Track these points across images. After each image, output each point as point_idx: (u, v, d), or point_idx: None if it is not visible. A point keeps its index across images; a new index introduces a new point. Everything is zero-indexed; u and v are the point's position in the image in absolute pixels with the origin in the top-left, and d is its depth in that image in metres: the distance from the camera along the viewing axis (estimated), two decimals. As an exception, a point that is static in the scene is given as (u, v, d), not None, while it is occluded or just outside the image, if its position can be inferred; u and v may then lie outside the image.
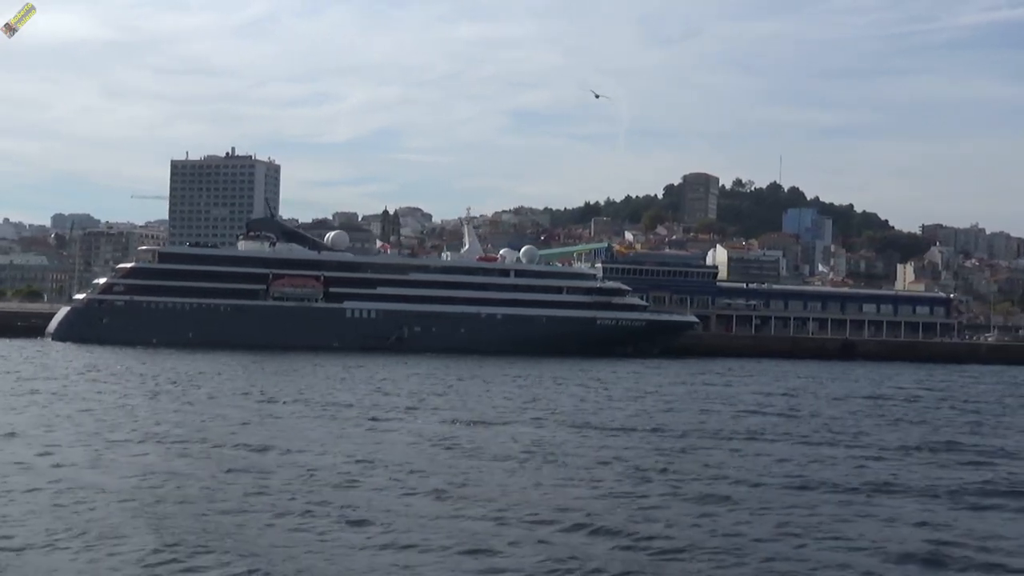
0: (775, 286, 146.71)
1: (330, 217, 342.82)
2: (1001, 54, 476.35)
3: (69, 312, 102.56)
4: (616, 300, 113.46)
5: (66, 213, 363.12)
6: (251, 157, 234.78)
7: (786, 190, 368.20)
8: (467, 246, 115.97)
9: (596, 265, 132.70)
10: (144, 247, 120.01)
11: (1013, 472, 29.61)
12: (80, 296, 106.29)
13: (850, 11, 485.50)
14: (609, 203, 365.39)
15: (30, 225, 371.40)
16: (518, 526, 20.20)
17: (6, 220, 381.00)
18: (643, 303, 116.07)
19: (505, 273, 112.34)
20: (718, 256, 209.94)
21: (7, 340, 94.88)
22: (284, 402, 45.40)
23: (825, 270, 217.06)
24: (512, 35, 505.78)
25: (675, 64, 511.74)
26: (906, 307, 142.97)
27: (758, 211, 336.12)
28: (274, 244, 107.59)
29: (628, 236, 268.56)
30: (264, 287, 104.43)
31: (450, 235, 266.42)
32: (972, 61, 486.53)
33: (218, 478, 25.00)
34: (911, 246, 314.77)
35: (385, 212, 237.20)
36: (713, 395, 56.96)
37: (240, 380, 58.16)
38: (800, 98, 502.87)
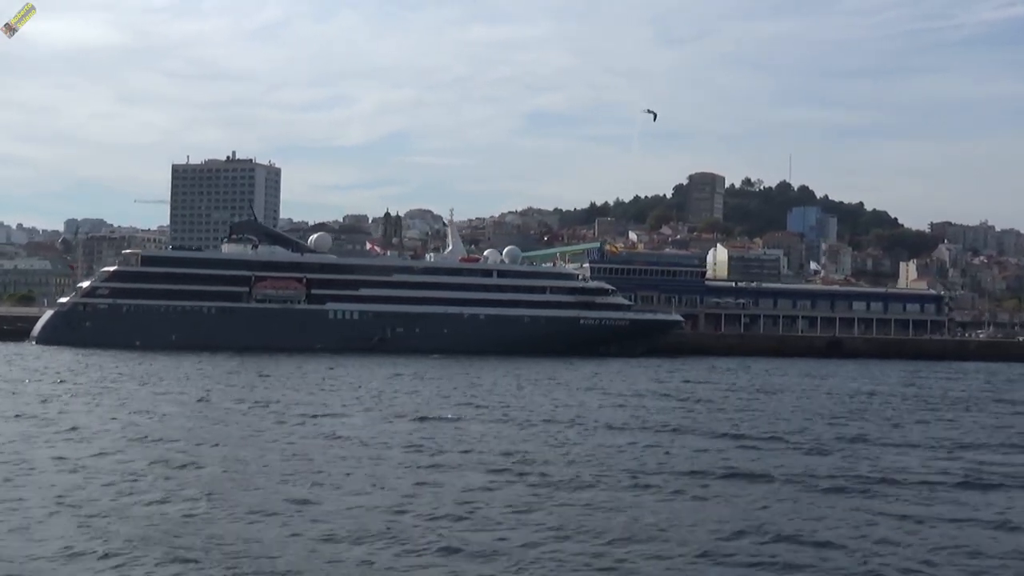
0: (764, 284, 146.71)
1: (341, 219, 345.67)
2: (1018, 51, 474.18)
3: (53, 315, 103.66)
4: (599, 300, 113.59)
5: (79, 218, 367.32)
6: (251, 161, 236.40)
7: (796, 189, 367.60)
8: (450, 247, 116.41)
9: (584, 265, 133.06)
10: (127, 251, 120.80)
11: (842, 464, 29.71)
12: (64, 300, 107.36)
13: (864, 11, 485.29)
14: (619, 203, 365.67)
15: (43, 231, 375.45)
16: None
17: (19, 225, 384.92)
18: (627, 302, 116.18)
19: (488, 274, 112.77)
20: (718, 255, 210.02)
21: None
22: (211, 400, 46.08)
23: (817, 267, 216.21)
24: (525, 37, 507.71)
25: (688, 64, 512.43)
26: (896, 305, 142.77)
27: (766, 210, 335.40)
28: (256, 247, 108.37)
29: (632, 236, 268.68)
30: (247, 289, 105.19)
31: (460, 237, 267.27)
32: (988, 58, 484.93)
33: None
34: (919, 244, 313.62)
35: (387, 214, 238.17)
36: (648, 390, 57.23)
37: (190, 380, 58.74)
38: (813, 98, 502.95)
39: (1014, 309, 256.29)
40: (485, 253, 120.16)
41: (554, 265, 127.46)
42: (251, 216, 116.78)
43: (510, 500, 22.52)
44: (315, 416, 39.60)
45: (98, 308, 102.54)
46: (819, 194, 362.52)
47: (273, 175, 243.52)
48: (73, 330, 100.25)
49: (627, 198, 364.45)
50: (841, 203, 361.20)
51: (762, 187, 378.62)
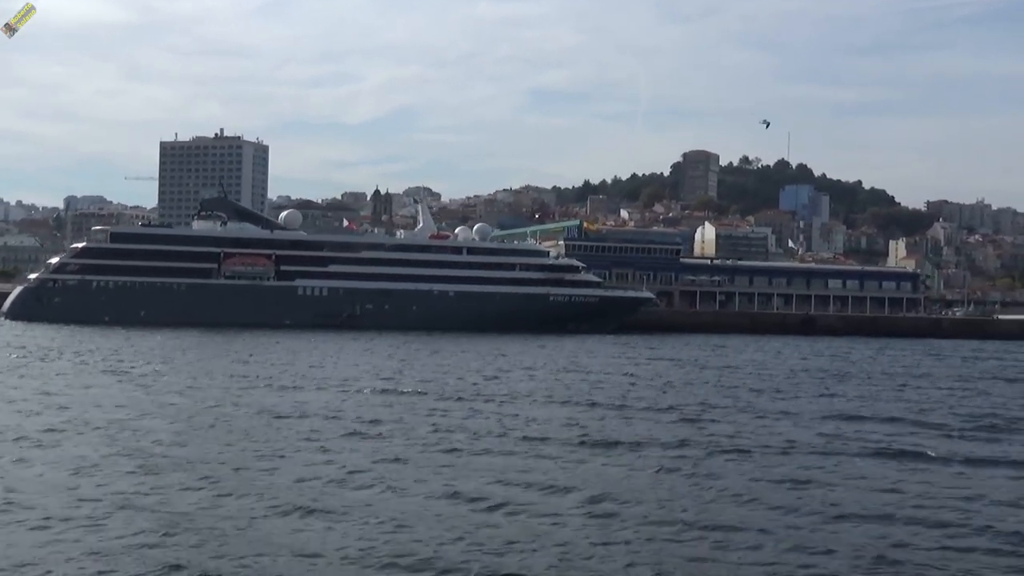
0: (740, 262, 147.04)
1: (340, 196, 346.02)
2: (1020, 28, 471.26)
3: (22, 291, 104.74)
4: (569, 277, 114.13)
5: (79, 195, 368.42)
6: (239, 138, 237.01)
7: (794, 168, 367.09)
8: (421, 224, 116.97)
9: (559, 243, 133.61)
10: (97, 227, 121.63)
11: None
12: (33, 276, 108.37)
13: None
14: (617, 181, 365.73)
15: (43, 207, 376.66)
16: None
17: (19, 202, 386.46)
18: (596, 279, 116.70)
19: (457, 251, 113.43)
20: (706, 233, 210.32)
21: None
22: (133, 367, 46.93)
23: (794, 246, 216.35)
24: (531, 14, 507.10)
25: (694, 42, 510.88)
26: (873, 283, 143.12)
27: (763, 189, 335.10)
28: (225, 223, 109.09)
29: (624, 214, 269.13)
30: (216, 266, 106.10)
31: (450, 215, 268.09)
32: (993, 36, 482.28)
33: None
34: (914, 222, 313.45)
35: (376, 191, 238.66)
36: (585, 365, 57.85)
37: (138, 353, 59.54)
38: (817, 75, 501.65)
39: (1006, 287, 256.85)
40: (456, 231, 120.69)
41: (538, 243, 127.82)
42: (222, 193, 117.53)
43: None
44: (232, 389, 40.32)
45: (67, 284, 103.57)
46: (817, 172, 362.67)
47: (261, 152, 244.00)
48: (43, 306, 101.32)
49: (629, 175, 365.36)
50: (839, 181, 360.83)
51: (760, 165, 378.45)
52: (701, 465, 24.46)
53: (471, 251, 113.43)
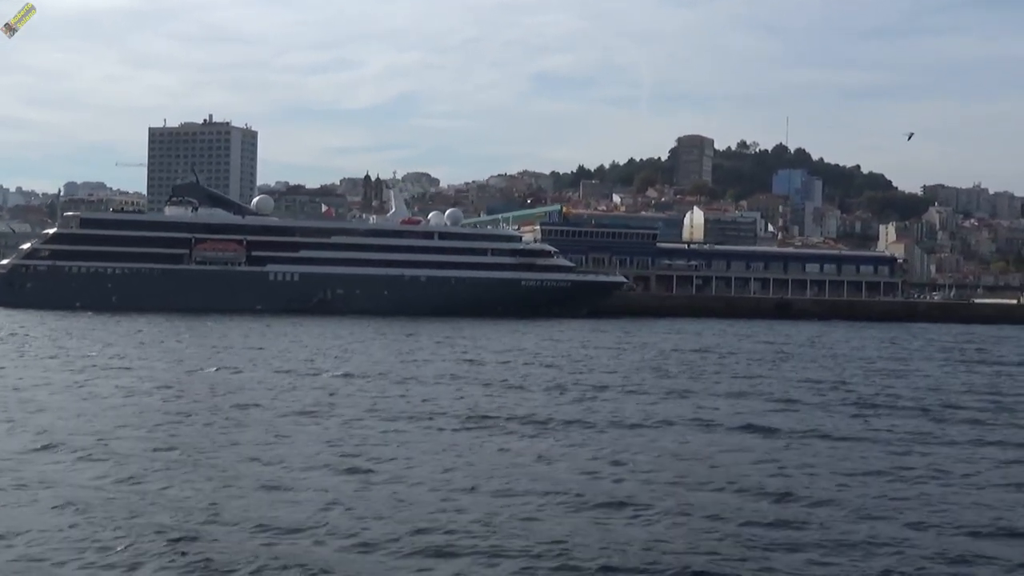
0: (717, 247, 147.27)
1: (338, 183, 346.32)
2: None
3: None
4: (540, 261, 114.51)
5: (79, 182, 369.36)
6: (228, 124, 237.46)
7: (793, 152, 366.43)
8: (392, 209, 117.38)
9: (536, 228, 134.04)
10: (69, 213, 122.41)
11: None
12: (5, 261, 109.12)
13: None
14: (614, 166, 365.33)
15: (43, 194, 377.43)
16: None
17: (18, 189, 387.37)
18: (569, 264, 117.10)
19: (429, 236, 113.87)
20: (695, 218, 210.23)
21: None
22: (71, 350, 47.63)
23: (773, 230, 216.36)
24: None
25: (698, 26, 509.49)
26: (850, 267, 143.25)
27: (759, 173, 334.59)
28: (196, 209, 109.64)
29: (616, 199, 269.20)
30: (187, 251, 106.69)
31: (444, 200, 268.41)
32: (997, 20, 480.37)
33: None
34: (910, 206, 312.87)
35: (367, 177, 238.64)
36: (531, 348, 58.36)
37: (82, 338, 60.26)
38: (822, 59, 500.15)
39: (1000, 271, 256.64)
40: (430, 216, 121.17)
41: (518, 229, 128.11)
42: (194, 179, 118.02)
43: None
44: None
45: (38, 270, 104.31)
46: (816, 157, 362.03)
47: (250, 138, 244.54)
48: (14, 291, 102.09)
49: (626, 160, 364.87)
50: (837, 166, 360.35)
51: (757, 150, 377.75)
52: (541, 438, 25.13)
53: (442, 236, 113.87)
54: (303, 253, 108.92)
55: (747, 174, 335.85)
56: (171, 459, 21.82)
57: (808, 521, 17.21)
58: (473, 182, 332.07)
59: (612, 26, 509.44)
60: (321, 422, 27.47)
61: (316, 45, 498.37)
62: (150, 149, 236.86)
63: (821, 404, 34.19)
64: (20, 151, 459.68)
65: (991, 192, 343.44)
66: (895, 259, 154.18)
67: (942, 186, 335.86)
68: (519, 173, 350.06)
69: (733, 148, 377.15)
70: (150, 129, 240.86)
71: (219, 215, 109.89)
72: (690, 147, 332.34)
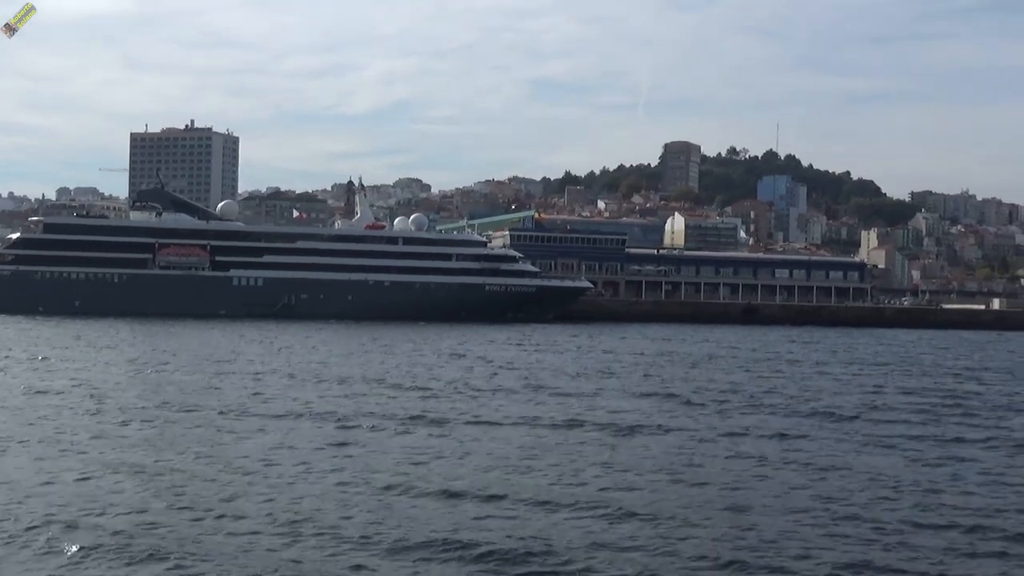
0: (686, 252, 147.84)
1: (328, 188, 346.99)
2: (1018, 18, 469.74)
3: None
4: (505, 267, 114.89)
5: (72, 187, 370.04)
6: (209, 129, 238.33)
7: (783, 158, 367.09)
8: (358, 214, 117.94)
9: (505, 233, 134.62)
10: (33, 217, 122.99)
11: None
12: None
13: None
14: (604, 172, 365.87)
15: (35, 199, 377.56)
16: None
17: (10, 194, 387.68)
18: (534, 269, 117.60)
19: (393, 241, 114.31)
20: (676, 223, 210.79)
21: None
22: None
23: (745, 237, 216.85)
24: (532, 5, 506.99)
25: (696, 32, 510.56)
26: (819, 272, 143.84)
27: (748, 180, 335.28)
28: (160, 214, 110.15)
29: (600, 204, 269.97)
30: (150, 256, 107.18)
31: (429, 205, 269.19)
32: (989, 26, 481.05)
33: None
34: (897, 213, 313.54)
35: (349, 182, 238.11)
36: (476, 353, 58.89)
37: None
38: (819, 66, 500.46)
39: (984, 277, 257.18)
40: (395, 221, 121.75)
41: (489, 235, 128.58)
42: (159, 184, 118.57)
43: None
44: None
45: (2, 275, 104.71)
46: (805, 163, 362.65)
47: (231, 144, 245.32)
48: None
49: (625, 166, 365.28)
50: (826, 172, 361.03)
51: (747, 156, 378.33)
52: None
53: (407, 241, 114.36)
54: (267, 258, 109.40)
55: (736, 181, 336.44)
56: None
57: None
58: (460, 188, 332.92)
59: (611, 32, 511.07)
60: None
61: (315, 50, 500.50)
62: (132, 154, 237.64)
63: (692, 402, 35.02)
64: (15, 156, 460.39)
65: (979, 199, 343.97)
66: (864, 265, 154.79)
67: (930, 192, 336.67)
68: (508, 179, 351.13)
69: (723, 154, 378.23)
70: (132, 134, 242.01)
71: (183, 220, 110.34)
72: (677, 153, 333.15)
